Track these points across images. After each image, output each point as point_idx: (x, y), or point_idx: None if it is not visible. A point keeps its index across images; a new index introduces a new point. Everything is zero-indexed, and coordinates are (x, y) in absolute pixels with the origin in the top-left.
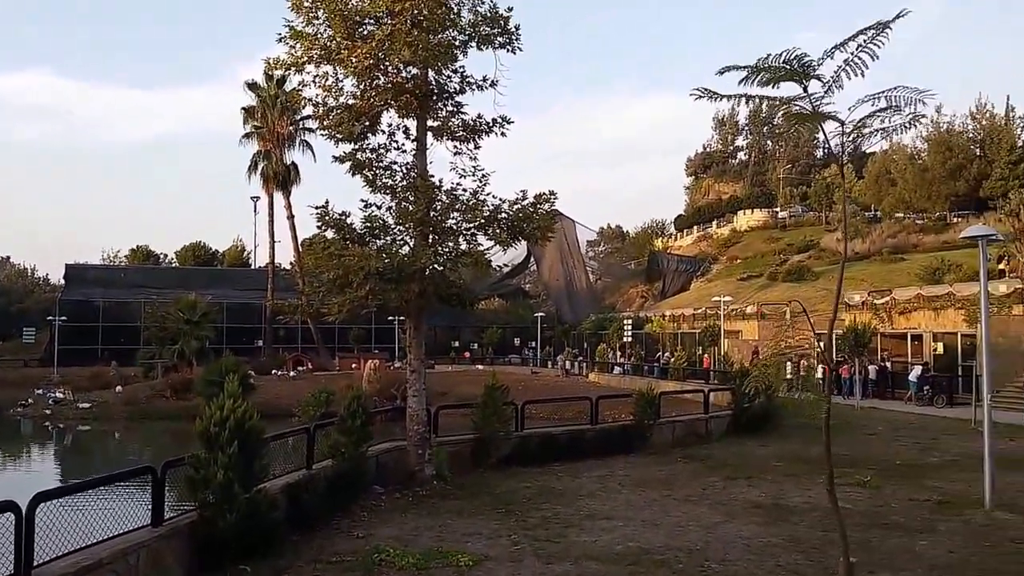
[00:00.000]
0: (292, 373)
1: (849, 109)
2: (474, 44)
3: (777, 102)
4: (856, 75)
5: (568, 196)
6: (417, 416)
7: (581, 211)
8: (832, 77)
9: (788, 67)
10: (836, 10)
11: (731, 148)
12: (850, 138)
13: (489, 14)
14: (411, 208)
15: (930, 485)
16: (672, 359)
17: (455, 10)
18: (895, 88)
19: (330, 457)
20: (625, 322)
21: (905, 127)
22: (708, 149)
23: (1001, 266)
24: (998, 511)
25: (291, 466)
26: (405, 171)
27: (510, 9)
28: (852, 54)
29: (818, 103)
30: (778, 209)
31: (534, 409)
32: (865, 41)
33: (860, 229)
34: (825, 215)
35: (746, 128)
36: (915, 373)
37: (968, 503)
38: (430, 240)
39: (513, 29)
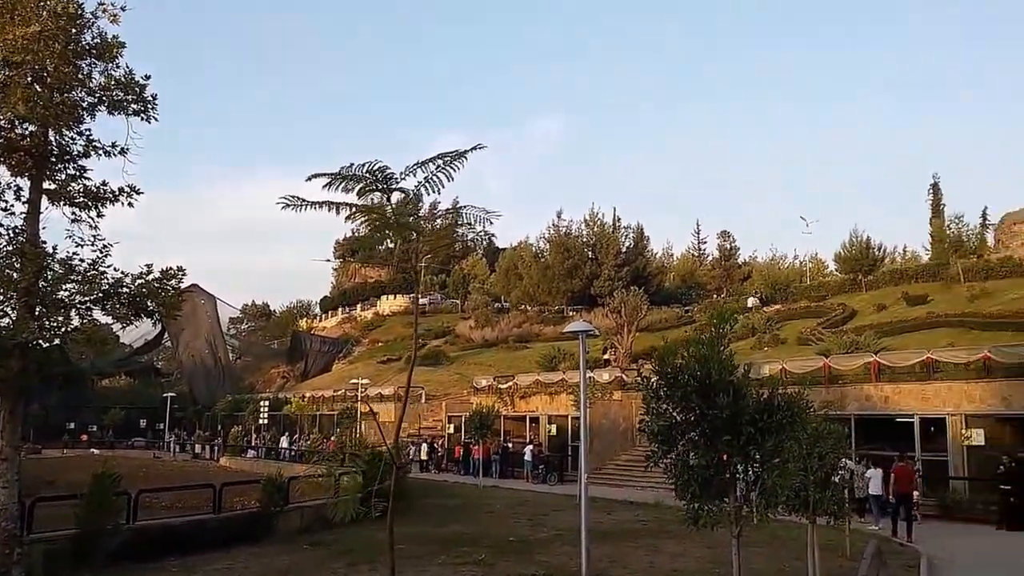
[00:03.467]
0: None
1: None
2: (104, 108)
3: (356, 210)
4: (434, 191)
5: (214, 272)
6: (7, 511)
7: (227, 287)
8: (413, 191)
9: (373, 177)
10: (476, 117)
11: (377, 234)
12: (427, 246)
13: (124, 80)
14: (15, 276)
15: (538, 560)
16: (308, 441)
17: (85, 71)
18: (466, 206)
19: None
20: (262, 403)
21: (478, 240)
22: (356, 234)
23: (606, 356)
24: None
25: None
26: (12, 235)
27: (147, 77)
28: (432, 173)
29: (400, 213)
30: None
31: (155, 498)
32: (443, 163)
33: (489, 318)
34: (461, 303)
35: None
36: (528, 453)
37: (568, 575)
38: (36, 312)
39: (150, 98)
